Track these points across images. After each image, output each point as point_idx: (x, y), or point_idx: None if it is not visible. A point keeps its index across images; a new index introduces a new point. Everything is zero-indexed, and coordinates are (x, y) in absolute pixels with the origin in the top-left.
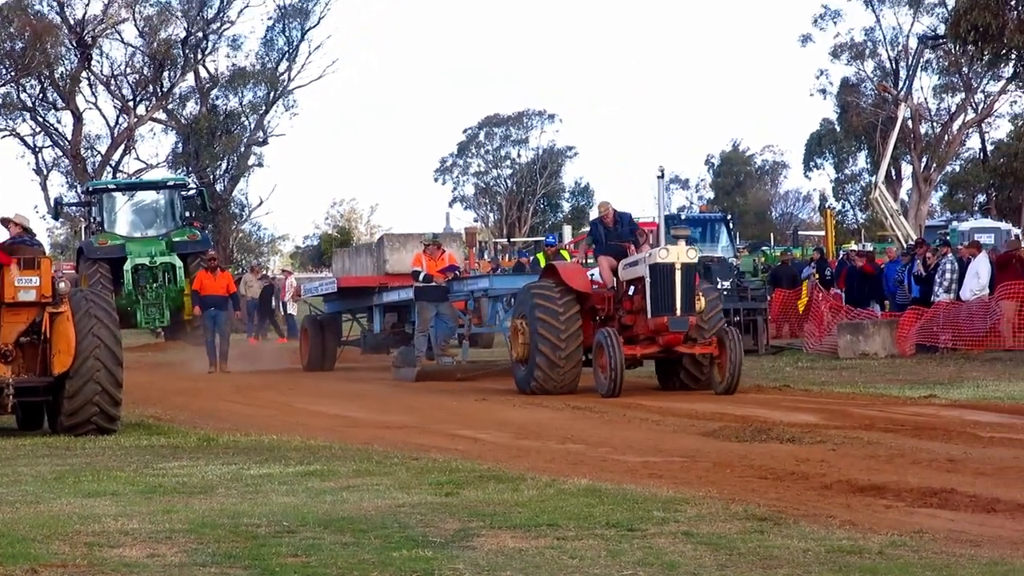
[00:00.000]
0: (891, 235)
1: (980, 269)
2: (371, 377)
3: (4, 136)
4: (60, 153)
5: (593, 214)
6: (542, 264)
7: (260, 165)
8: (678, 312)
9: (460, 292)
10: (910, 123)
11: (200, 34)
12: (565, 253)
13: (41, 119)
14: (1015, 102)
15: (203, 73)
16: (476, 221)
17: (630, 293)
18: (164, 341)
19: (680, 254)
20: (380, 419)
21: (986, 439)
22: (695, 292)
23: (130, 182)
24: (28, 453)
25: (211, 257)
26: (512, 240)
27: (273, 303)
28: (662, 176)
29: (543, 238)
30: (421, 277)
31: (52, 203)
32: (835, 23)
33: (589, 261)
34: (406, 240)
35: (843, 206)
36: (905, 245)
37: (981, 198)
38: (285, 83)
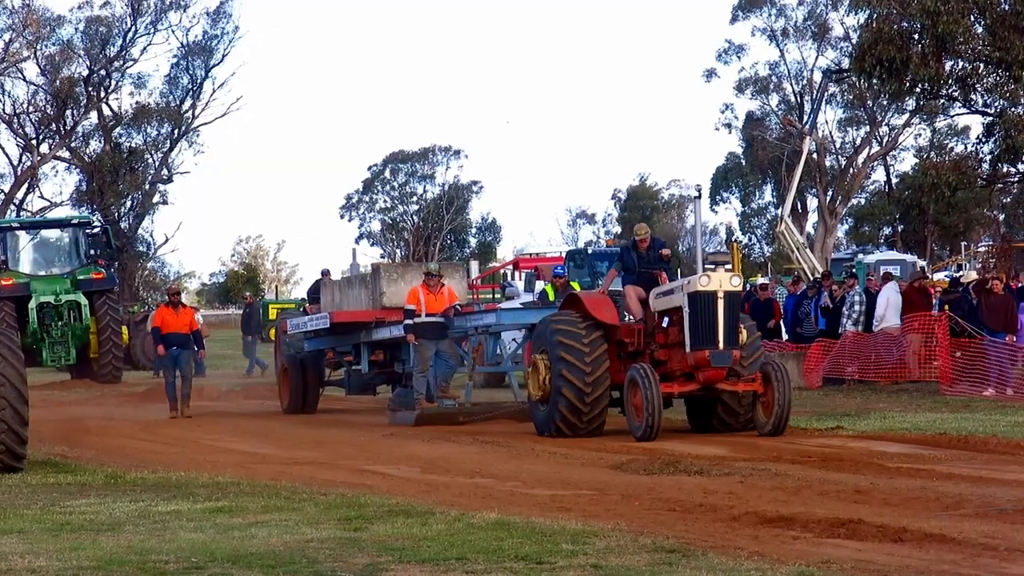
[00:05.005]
0: (797, 268)
1: (891, 298)
2: (277, 413)
3: None
4: None
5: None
6: (551, 297)
7: (165, 203)
8: (720, 345)
9: (461, 328)
10: (815, 156)
11: (103, 72)
12: (576, 284)
13: None
14: (919, 135)
15: (107, 111)
16: (383, 257)
17: (664, 325)
18: (71, 379)
19: (723, 281)
20: (288, 455)
21: (893, 469)
22: (738, 323)
23: (34, 220)
24: None
25: (174, 292)
26: None
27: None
28: (700, 196)
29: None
30: (414, 320)
31: None
32: (739, 58)
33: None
34: (404, 271)
35: (749, 239)
36: (811, 278)
37: (887, 230)
38: (189, 120)
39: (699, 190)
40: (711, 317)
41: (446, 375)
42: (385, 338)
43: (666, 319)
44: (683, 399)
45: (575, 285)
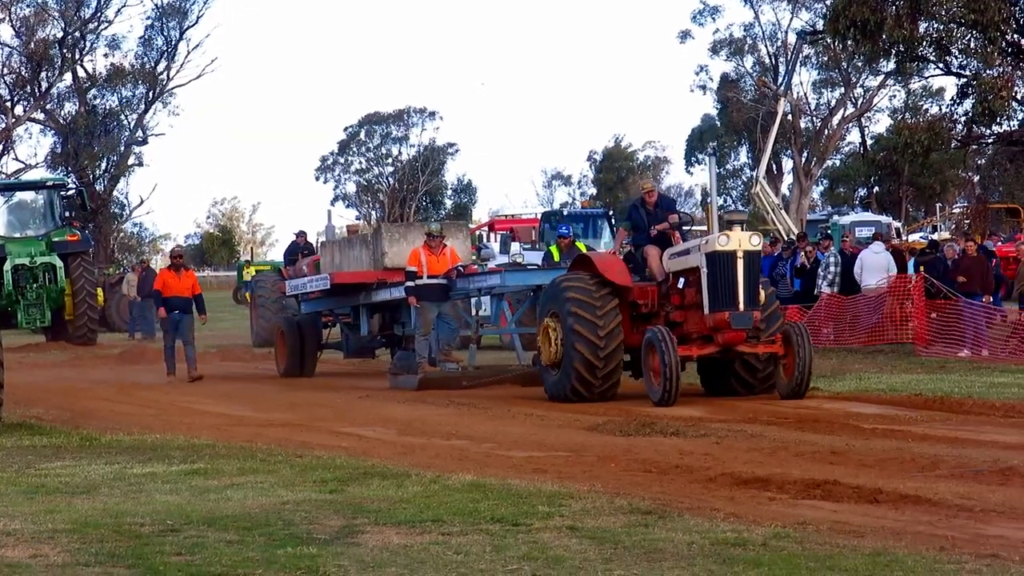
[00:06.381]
0: (772, 229)
1: (866, 259)
2: (254, 375)
3: None
4: None
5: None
6: (555, 258)
7: (140, 164)
8: (741, 307)
9: (464, 290)
10: (790, 118)
11: (77, 34)
12: (581, 245)
13: None
14: (894, 96)
15: (81, 73)
16: (358, 219)
17: (679, 286)
18: (46, 341)
19: (742, 241)
20: (264, 417)
21: (868, 431)
22: (758, 284)
23: (8, 183)
24: None
25: (176, 255)
26: None
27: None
28: (715, 154)
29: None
30: (416, 282)
31: None
32: (714, 19)
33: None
34: (407, 231)
35: (725, 201)
36: (786, 239)
37: (862, 192)
38: (164, 82)
39: (714, 150)
40: (731, 278)
41: (449, 338)
42: (385, 300)
43: (681, 280)
44: (696, 362)
45: (580, 246)
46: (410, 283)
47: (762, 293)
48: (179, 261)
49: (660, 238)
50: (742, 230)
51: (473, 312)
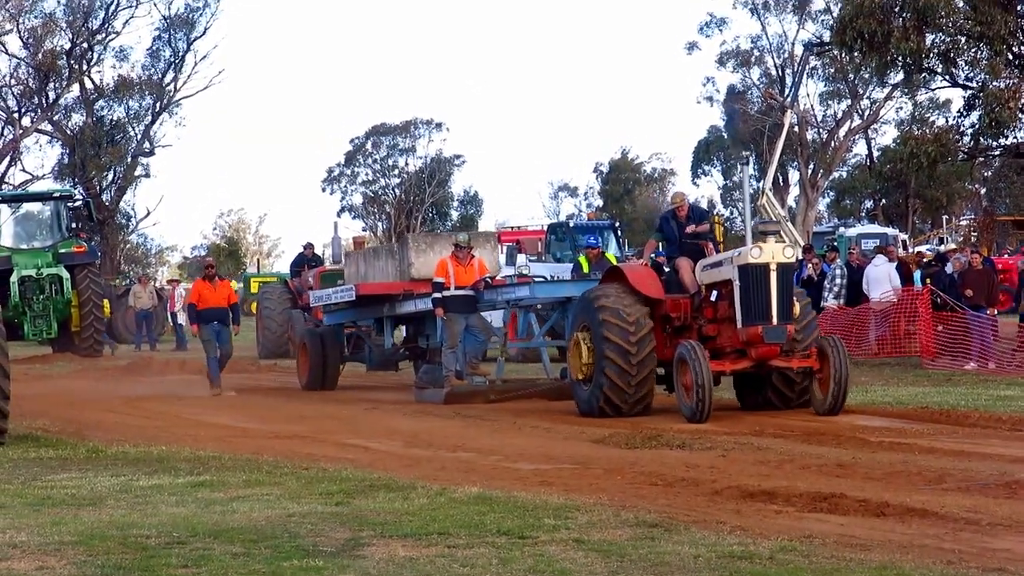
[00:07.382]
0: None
1: (870, 272)
2: (259, 387)
3: None
4: None
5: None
6: (585, 268)
7: (147, 176)
8: (774, 320)
9: (492, 301)
10: (796, 130)
11: (85, 45)
12: (611, 256)
13: None
14: (901, 108)
15: (89, 84)
16: (365, 230)
17: (712, 299)
18: (52, 353)
19: (776, 253)
20: (270, 429)
21: (874, 444)
22: (792, 297)
23: (15, 194)
24: None
25: (208, 265)
26: None
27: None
28: (747, 163)
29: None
30: (443, 294)
31: None
32: (721, 31)
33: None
34: (433, 241)
35: (731, 212)
36: None
37: (868, 204)
38: (171, 93)
39: (746, 159)
40: (764, 291)
41: (476, 351)
42: (411, 311)
43: (714, 292)
44: (732, 377)
45: (610, 257)
46: (437, 294)
47: (797, 305)
48: (212, 271)
49: (693, 250)
50: (776, 242)
51: (503, 325)
